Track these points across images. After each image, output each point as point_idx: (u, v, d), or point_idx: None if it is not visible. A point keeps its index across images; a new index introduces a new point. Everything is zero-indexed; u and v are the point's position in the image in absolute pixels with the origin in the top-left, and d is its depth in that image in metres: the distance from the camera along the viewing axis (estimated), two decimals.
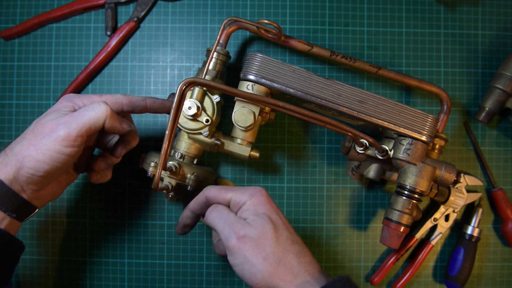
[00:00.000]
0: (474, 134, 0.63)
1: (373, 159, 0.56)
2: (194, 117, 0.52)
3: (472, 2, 0.63)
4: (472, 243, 0.60)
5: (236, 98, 0.53)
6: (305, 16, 0.62)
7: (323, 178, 0.62)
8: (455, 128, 0.63)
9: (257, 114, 0.52)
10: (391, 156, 0.53)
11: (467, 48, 0.63)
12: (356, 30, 0.62)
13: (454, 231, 0.63)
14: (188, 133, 0.54)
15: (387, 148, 0.54)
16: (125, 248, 0.61)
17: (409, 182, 0.52)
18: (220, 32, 0.54)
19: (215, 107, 0.54)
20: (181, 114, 0.52)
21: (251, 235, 0.42)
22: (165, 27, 0.62)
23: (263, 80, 0.51)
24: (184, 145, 0.55)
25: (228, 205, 0.46)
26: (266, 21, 0.54)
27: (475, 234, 0.60)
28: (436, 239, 0.61)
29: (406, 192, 0.52)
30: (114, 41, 0.60)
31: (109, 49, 0.60)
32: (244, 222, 0.44)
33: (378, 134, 0.59)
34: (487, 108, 0.59)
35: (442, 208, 0.60)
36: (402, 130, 0.52)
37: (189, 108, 0.52)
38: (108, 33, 0.60)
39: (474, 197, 0.61)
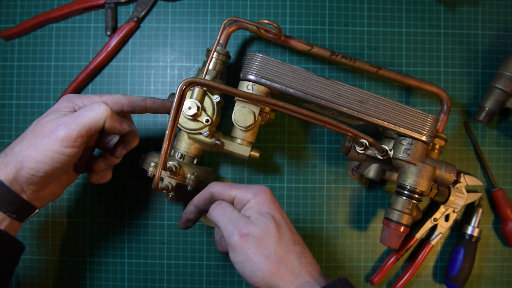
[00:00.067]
0: (474, 134, 0.63)
1: (373, 159, 0.56)
2: (194, 117, 0.52)
3: (472, 2, 0.63)
4: (472, 243, 0.60)
5: (236, 98, 0.53)
6: (305, 16, 0.62)
7: (323, 178, 0.62)
8: (455, 128, 0.63)
9: (257, 114, 0.52)
10: (391, 156, 0.53)
11: (467, 48, 0.63)
12: (356, 30, 0.62)
13: (454, 231, 0.63)
14: (188, 133, 0.54)
15: (387, 148, 0.54)
16: (125, 248, 0.61)
17: (409, 182, 0.52)
18: (220, 32, 0.54)
19: (215, 107, 0.54)
20: (181, 114, 0.52)
21: (254, 233, 0.42)
22: (165, 27, 0.62)
23: (263, 80, 0.51)
24: (184, 145, 0.55)
25: (232, 202, 0.47)
26: (266, 21, 0.54)
27: (475, 234, 0.60)
28: (436, 239, 0.61)
29: (406, 192, 0.52)
30: (114, 41, 0.60)
31: (109, 49, 0.60)
32: (248, 220, 0.44)
33: (378, 134, 0.59)
34: (487, 108, 0.59)
35: (442, 208, 0.60)
36: (402, 130, 0.52)
37: (189, 108, 0.52)
38: (108, 33, 0.60)
39: (474, 197, 0.61)
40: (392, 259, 0.61)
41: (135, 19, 0.61)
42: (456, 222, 0.62)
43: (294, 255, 0.43)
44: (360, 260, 0.63)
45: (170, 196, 0.56)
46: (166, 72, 0.62)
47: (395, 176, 0.56)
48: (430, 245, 0.61)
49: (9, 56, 0.62)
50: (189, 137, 0.54)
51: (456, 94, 0.63)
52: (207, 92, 0.54)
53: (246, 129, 0.53)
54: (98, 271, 0.61)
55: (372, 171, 0.58)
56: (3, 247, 0.43)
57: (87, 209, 0.62)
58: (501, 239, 0.63)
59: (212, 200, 0.48)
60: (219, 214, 0.45)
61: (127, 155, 0.55)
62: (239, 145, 0.54)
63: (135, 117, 0.59)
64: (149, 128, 0.62)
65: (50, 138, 0.42)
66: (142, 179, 0.62)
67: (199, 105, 0.52)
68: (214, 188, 0.47)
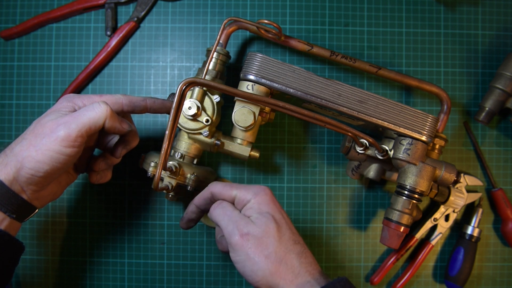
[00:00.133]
0: (474, 134, 0.63)
1: (373, 159, 0.56)
2: (194, 117, 0.52)
3: (472, 2, 0.63)
4: (472, 243, 0.60)
5: (236, 98, 0.53)
6: (305, 16, 0.62)
7: (323, 178, 0.62)
8: (455, 128, 0.63)
9: (257, 114, 0.52)
10: (391, 156, 0.53)
11: (467, 48, 0.63)
12: (356, 30, 0.62)
13: (454, 231, 0.63)
14: (188, 133, 0.54)
15: (387, 148, 0.54)
16: (125, 248, 0.61)
17: (409, 182, 0.52)
18: (220, 32, 0.54)
19: (215, 107, 0.54)
20: (181, 114, 0.52)
21: (254, 233, 0.42)
22: (165, 27, 0.62)
23: (263, 80, 0.51)
24: (184, 145, 0.55)
25: (232, 202, 0.47)
26: (266, 21, 0.54)
27: (475, 234, 0.60)
28: (436, 239, 0.61)
29: (406, 192, 0.52)
30: (114, 41, 0.60)
31: (109, 49, 0.60)
32: (248, 220, 0.44)
33: (378, 134, 0.59)
34: (487, 108, 0.59)
35: (442, 208, 0.60)
36: (402, 130, 0.52)
37: (189, 108, 0.52)
38: (108, 33, 0.60)
39: (474, 197, 0.61)
40: (392, 259, 0.61)
41: (135, 19, 0.61)
42: (456, 222, 0.62)
43: (294, 255, 0.43)
44: (360, 260, 0.63)
45: (170, 196, 0.56)
46: (166, 72, 0.62)
47: (395, 176, 0.56)
48: (430, 245, 0.61)
49: (9, 56, 0.62)
50: (189, 137, 0.54)
51: (456, 94, 0.63)
52: (207, 92, 0.54)
53: (246, 129, 0.53)
54: (98, 271, 0.61)
55: (372, 171, 0.58)
56: (3, 247, 0.43)
57: (87, 209, 0.62)
58: (501, 239, 0.63)
59: (212, 200, 0.48)
60: (219, 214, 0.45)
61: (127, 155, 0.55)
62: (239, 145, 0.54)
63: (135, 117, 0.59)
64: (149, 128, 0.62)
65: (50, 138, 0.42)
66: (142, 179, 0.62)
67: (199, 105, 0.52)
68: (215, 188, 0.47)
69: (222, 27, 0.54)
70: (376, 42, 0.62)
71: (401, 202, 0.52)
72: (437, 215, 0.61)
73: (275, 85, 0.52)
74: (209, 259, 0.62)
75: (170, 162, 0.52)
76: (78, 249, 0.61)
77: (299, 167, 0.62)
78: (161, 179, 0.53)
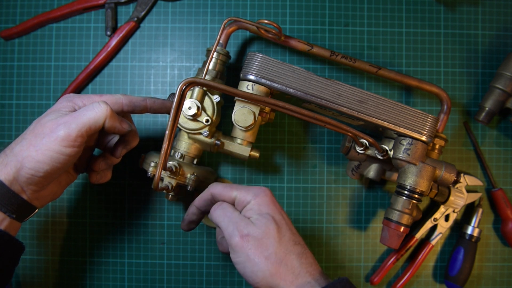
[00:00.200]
0: (474, 134, 0.63)
1: (373, 159, 0.56)
2: (194, 117, 0.52)
3: (472, 2, 0.63)
4: (472, 243, 0.60)
5: (236, 98, 0.53)
6: (305, 16, 0.62)
7: (323, 178, 0.62)
8: (455, 128, 0.63)
9: (257, 114, 0.52)
10: (391, 156, 0.53)
11: (467, 48, 0.63)
12: (356, 30, 0.62)
13: (454, 231, 0.63)
14: (188, 133, 0.54)
15: (387, 148, 0.54)
16: (125, 248, 0.61)
17: (409, 182, 0.52)
18: (220, 32, 0.54)
19: (215, 107, 0.54)
20: (181, 114, 0.52)
21: (255, 234, 0.42)
22: (165, 27, 0.62)
23: (263, 80, 0.51)
24: (184, 145, 0.55)
25: (233, 203, 0.47)
26: (266, 21, 0.54)
27: (475, 234, 0.60)
28: (436, 239, 0.61)
29: (406, 192, 0.52)
30: (114, 41, 0.60)
31: (109, 49, 0.60)
32: (248, 221, 0.44)
33: (378, 134, 0.59)
34: (487, 108, 0.59)
35: (442, 208, 0.60)
36: (402, 130, 0.52)
37: (189, 108, 0.52)
38: (108, 33, 0.60)
39: (474, 197, 0.61)
40: (392, 259, 0.61)
41: (135, 19, 0.61)
42: (456, 222, 0.62)
43: (294, 256, 0.43)
44: (360, 260, 0.63)
45: (170, 196, 0.56)
46: (166, 72, 0.62)
47: (395, 176, 0.56)
48: (430, 245, 0.61)
49: (9, 56, 0.62)
50: (189, 137, 0.54)
51: (456, 94, 0.63)
52: (207, 92, 0.54)
53: (246, 129, 0.53)
54: (98, 271, 0.61)
55: (372, 171, 0.58)
56: (3, 247, 0.43)
57: (87, 209, 0.62)
58: (501, 239, 0.63)
59: (213, 201, 0.48)
60: (220, 215, 0.45)
61: (127, 155, 0.55)
62: (239, 145, 0.54)
63: (135, 117, 0.59)
64: (149, 128, 0.62)
65: (50, 137, 0.42)
66: (142, 179, 0.62)
67: (199, 105, 0.52)
68: (215, 189, 0.47)
69: (222, 27, 0.54)
70: (376, 42, 0.62)
71: (401, 202, 0.52)
72: (437, 215, 0.61)
73: (275, 85, 0.52)
74: (209, 259, 0.62)
75: (170, 162, 0.52)
76: (78, 249, 0.61)
77: (299, 167, 0.62)
78: (161, 179, 0.53)
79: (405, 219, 0.52)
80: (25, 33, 0.61)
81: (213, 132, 0.54)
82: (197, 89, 0.53)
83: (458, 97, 0.63)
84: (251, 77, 0.52)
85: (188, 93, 0.53)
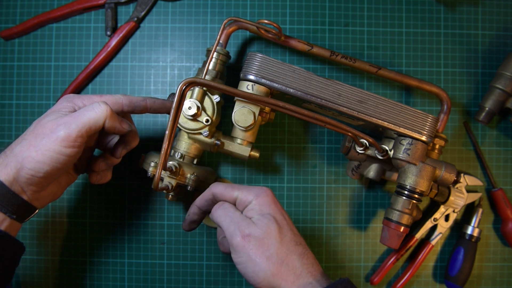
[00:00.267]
0: (474, 134, 0.63)
1: (373, 159, 0.56)
2: (194, 117, 0.52)
3: (472, 2, 0.63)
4: (472, 243, 0.60)
5: (236, 98, 0.53)
6: (305, 16, 0.62)
7: (323, 178, 0.62)
8: (455, 128, 0.63)
9: (257, 114, 0.52)
10: (391, 156, 0.53)
11: (467, 48, 0.63)
12: (356, 30, 0.62)
13: (454, 231, 0.63)
14: (188, 133, 0.54)
15: (387, 148, 0.54)
16: (125, 248, 0.61)
17: (409, 182, 0.52)
18: (220, 32, 0.54)
19: (215, 107, 0.54)
20: (181, 114, 0.52)
21: (256, 235, 0.42)
22: (165, 27, 0.62)
23: (263, 80, 0.51)
24: (184, 145, 0.55)
25: (234, 203, 0.47)
26: (266, 21, 0.54)
27: (475, 234, 0.60)
28: (436, 239, 0.61)
29: (406, 192, 0.52)
30: (114, 41, 0.60)
31: (109, 49, 0.60)
32: (249, 221, 0.44)
33: (378, 134, 0.59)
34: (487, 108, 0.59)
35: (442, 208, 0.60)
36: (402, 130, 0.52)
37: (189, 108, 0.52)
38: (108, 33, 0.60)
39: (474, 197, 0.61)
40: (392, 259, 0.61)
41: (135, 19, 0.61)
42: (456, 222, 0.62)
43: (295, 256, 0.43)
44: (360, 260, 0.63)
45: (170, 196, 0.56)
46: (166, 72, 0.62)
47: (395, 176, 0.56)
48: (430, 245, 0.61)
49: (9, 56, 0.62)
50: (189, 137, 0.54)
51: (456, 94, 0.63)
52: (207, 92, 0.54)
53: (246, 129, 0.53)
54: (98, 271, 0.61)
55: (372, 171, 0.58)
56: (3, 248, 0.43)
57: (87, 209, 0.62)
58: (501, 239, 0.63)
59: (214, 201, 0.48)
60: (221, 215, 0.45)
61: (127, 155, 0.55)
62: (239, 145, 0.54)
63: (135, 117, 0.59)
64: (149, 128, 0.62)
65: (50, 138, 0.42)
66: (142, 179, 0.62)
67: (199, 105, 0.52)
68: (216, 188, 0.47)
69: (222, 27, 0.54)
70: (376, 42, 0.62)
71: (401, 202, 0.52)
72: (437, 215, 0.61)
73: (275, 85, 0.51)
74: (209, 259, 0.62)
75: (170, 162, 0.52)
76: (78, 249, 0.61)
77: (299, 167, 0.62)
78: (161, 179, 0.53)
79: (405, 219, 0.52)
80: (25, 33, 0.61)
81: (213, 132, 0.54)
82: (197, 89, 0.53)
83: (458, 97, 0.63)
84: (251, 77, 0.52)
85: (188, 93, 0.53)
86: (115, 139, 0.52)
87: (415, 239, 0.61)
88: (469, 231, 0.60)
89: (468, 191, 0.61)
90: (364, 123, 0.54)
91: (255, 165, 0.62)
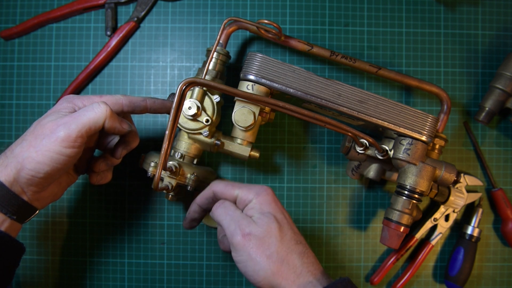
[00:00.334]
0: (474, 134, 0.63)
1: (373, 159, 0.56)
2: (194, 117, 0.52)
3: (472, 2, 0.63)
4: (472, 243, 0.60)
5: (236, 98, 0.53)
6: (305, 16, 0.62)
7: (323, 178, 0.62)
8: (455, 128, 0.63)
9: (257, 114, 0.52)
10: (391, 156, 0.53)
11: (467, 48, 0.63)
12: (356, 30, 0.62)
13: (454, 231, 0.63)
14: (188, 133, 0.54)
15: (387, 148, 0.54)
16: (125, 248, 0.61)
17: (409, 182, 0.52)
18: (220, 32, 0.54)
19: (215, 107, 0.54)
20: (181, 114, 0.52)
21: (256, 233, 0.42)
22: (165, 27, 0.62)
23: (263, 80, 0.51)
24: (184, 145, 0.55)
25: (234, 201, 0.47)
26: (266, 21, 0.54)
27: (475, 234, 0.60)
28: (436, 239, 0.61)
29: (406, 192, 0.52)
30: (114, 41, 0.60)
31: (109, 49, 0.60)
32: (250, 219, 0.44)
33: (378, 134, 0.59)
34: (487, 108, 0.59)
35: (442, 208, 0.60)
36: (402, 130, 0.52)
37: (189, 108, 0.52)
38: (108, 33, 0.60)
39: (474, 197, 0.61)
40: (392, 259, 0.61)
41: (135, 19, 0.61)
42: (456, 222, 0.62)
43: (296, 255, 0.43)
44: (360, 260, 0.63)
45: (170, 196, 0.56)
46: (166, 72, 0.62)
47: (395, 176, 0.56)
48: (430, 245, 0.61)
49: (9, 56, 0.62)
50: (189, 137, 0.54)
51: (456, 94, 0.63)
52: (207, 92, 0.54)
53: (246, 129, 0.53)
54: (98, 271, 0.61)
55: (372, 171, 0.58)
56: (4, 248, 0.43)
57: (87, 209, 0.62)
58: (501, 239, 0.63)
59: (215, 199, 0.48)
60: (221, 213, 0.45)
61: (127, 155, 0.55)
62: (239, 145, 0.54)
63: (135, 117, 0.59)
64: (149, 128, 0.62)
65: (50, 138, 0.42)
66: (142, 179, 0.62)
67: (199, 105, 0.52)
68: (217, 187, 0.47)
69: (222, 27, 0.54)
70: (376, 42, 0.62)
71: (401, 202, 0.52)
72: (437, 215, 0.61)
73: (275, 85, 0.51)
74: (209, 259, 0.62)
75: (170, 162, 0.52)
76: (78, 249, 0.61)
77: (299, 167, 0.62)
78: (161, 179, 0.53)
79: (405, 219, 0.52)
80: (25, 33, 0.61)
81: (213, 132, 0.54)
82: (197, 89, 0.53)
83: (458, 97, 0.63)
84: (251, 77, 0.51)
85: (188, 93, 0.53)
86: (115, 139, 0.52)
87: (415, 239, 0.61)
88: (469, 231, 0.60)
89: (468, 191, 0.61)
90: (364, 123, 0.54)
91: (255, 165, 0.62)
